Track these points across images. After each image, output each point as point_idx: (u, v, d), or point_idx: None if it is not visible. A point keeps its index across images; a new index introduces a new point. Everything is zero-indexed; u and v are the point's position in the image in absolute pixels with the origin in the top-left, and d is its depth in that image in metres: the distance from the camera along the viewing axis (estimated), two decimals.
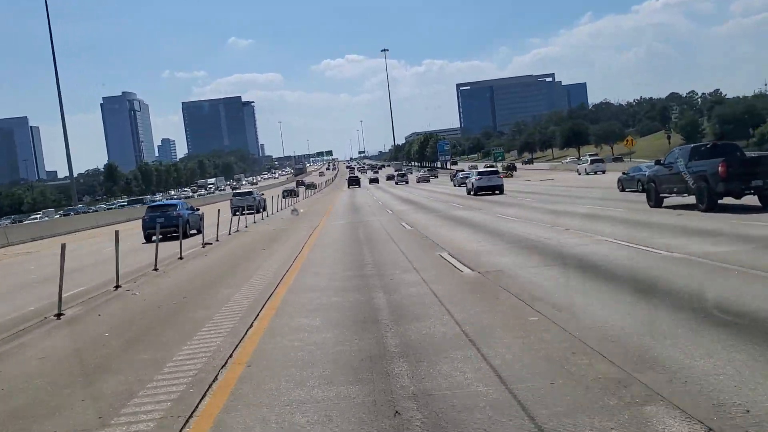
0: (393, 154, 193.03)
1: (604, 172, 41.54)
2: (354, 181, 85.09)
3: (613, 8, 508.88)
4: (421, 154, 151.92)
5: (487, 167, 43.48)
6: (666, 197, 17.41)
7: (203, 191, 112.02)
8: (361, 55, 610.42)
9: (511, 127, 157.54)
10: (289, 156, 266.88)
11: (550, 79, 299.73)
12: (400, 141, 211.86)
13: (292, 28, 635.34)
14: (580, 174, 48.76)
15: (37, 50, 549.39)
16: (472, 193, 34.94)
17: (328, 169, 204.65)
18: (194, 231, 21.62)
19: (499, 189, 34.02)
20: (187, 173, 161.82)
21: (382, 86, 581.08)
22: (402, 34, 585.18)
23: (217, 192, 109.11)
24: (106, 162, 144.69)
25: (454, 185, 52.01)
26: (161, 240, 14.65)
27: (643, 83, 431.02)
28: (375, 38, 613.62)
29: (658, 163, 18.25)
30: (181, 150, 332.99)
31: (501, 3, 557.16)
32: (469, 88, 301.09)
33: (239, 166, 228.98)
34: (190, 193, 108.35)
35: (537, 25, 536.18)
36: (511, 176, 52.87)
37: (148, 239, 20.95)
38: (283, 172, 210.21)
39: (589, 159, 54.23)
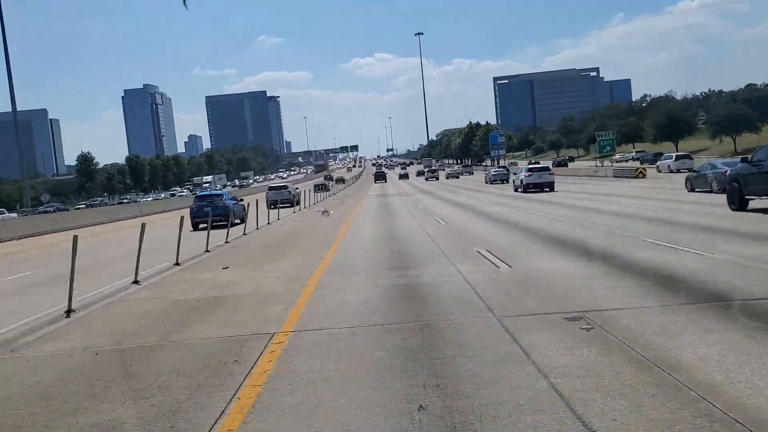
0: (426, 151, 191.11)
1: (690, 170, 38.71)
2: (380, 176, 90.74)
3: (645, 9, 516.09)
4: (465, 148, 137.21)
5: (533, 163, 42.57)
6: (752, 199, 16.39)
7: (185, 192, 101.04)
8: (390, 53, 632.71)
9: (557, 122, 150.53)
10: (310, 151, 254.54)
11: (594, 73, 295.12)
12: (425, 140, 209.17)
13: (321, 27, 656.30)
14: (661, 171, 46.58)
15: (61, 42, 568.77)
16: (520, 190, 34.30)
17: (354, 166, 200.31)
18: (238, 220, 23.06)
19: (549, 186, 33.42)
20: (192, 168, 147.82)
21: (411, 84, 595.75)
22: (431, 32, 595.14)
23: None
24: (126, 157, 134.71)
25: (486, 182, 54.47)
26: (209, 228, 16.73)
27: (678, 82, 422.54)
28: (404, 37, 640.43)
29: (744, 160, 17.18)
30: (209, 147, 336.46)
31: (531, 3, 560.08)
32: (506, 81, 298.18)
33: (259, 162, 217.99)
34: (163, 195, 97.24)
35: (567, 26, 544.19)
36: (644, 176, 42.26)
37: (195, 227, 22.95)
38: (302, 170, 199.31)
39: (675, 155, 50.20)
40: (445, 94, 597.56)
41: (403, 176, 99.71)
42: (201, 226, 22.16)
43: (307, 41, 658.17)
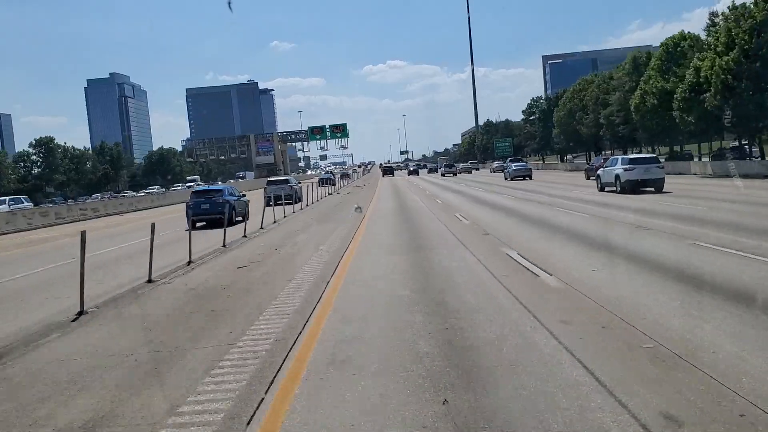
0: (468, 145, 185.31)
1: None
2: (388, 171, 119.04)
3: (663, 16, 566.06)
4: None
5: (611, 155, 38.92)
6: None
7: None
8: (403, 61, 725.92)
9: None
10: (243, 136, 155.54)
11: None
12: (440, 147, 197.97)
13: (333, 33, 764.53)
14: None
15: (16, 38, 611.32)
16: (614, 189, 31.55)
17: (356, 170, 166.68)
18: (240, 218, 24.71)
19: (657, 185, 30.51)
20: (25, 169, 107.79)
21: (423, 91, 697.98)
22: (443, 40, 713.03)
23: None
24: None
25: (506, 178, 61.90)
26: (205, 228, 20.52)
27: None
28: (416, 45, 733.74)
29: None
30: None
31: (546, 8, 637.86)
32: (560, 61, 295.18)
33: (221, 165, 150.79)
34: None
35: (583, 33, 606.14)
36: None
37: (193, 226, 24.05)
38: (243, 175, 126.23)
39: None
40: (460, 101, 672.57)
41: (413, 173, 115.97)
42: (198, 225, 23.29)
43: (319, 47, 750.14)
